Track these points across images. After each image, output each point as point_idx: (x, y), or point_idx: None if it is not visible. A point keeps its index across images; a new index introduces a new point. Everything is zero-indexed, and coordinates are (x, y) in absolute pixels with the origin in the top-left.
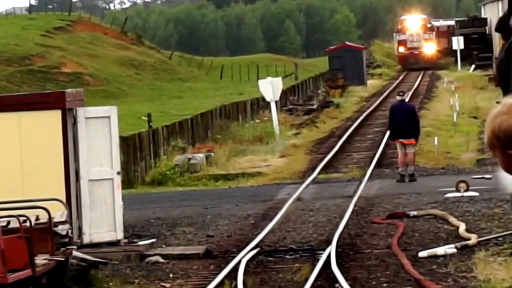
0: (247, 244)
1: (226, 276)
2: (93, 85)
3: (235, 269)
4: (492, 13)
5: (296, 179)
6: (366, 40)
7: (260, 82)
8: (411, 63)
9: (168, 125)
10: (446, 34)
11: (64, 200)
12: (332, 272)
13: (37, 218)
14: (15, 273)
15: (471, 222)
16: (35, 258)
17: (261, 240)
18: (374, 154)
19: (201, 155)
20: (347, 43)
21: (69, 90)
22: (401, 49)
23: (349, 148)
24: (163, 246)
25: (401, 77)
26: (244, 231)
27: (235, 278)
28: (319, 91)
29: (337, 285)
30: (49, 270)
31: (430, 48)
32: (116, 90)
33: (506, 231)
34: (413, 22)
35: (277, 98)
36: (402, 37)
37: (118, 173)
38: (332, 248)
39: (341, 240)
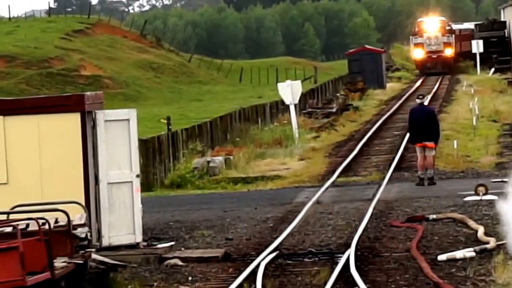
0: (266, 247)
1: (245, 279)
2: (112, 88)
3: (254, 272)
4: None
5: (315, 182)
6: (385, 43)
7: (279, 85)
8: (428, 67)
9: (187, 128)
10: (465, 37)
11: (83, 203)
12: (351, 276)
13: (56, 221)
14: (34, 276)
15: (490, 226)
16: (54, 261)
17: (280, 243)
18: (394, 157)
19: (220, 158)
20: (367, 46)
21: (88, 93)
22: (418, 53)
23: (369, 151)
24: (182, 249)
25: (420, 81)
26: (263, 234)
27: (254, 281)
28: (339, 94)
29: None
30: (68, 273)
31: (449, 52)
32: (135, 93)
33: None
34: (431, 24)
35: (296, 101)
36: (419, 40)
37: (137, 176)
38: (351, 252)
39: (360, 243)
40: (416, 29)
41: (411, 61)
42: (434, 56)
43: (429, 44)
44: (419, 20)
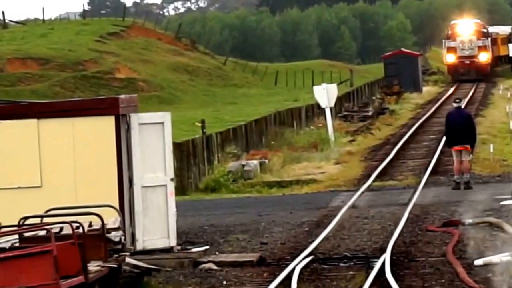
0: (301, 251)
1: (280, 284)
2: (147, 91)
3: (288, 276)
4: None
5: (351, 187)
6: (422, 46)
7: (315, 88)
8: (461, 73)
9: (222, 132)
10: (502, 40)
11: (117, 206)
12: (386, 280)
13: (90, 225)
14: (68, 279)
15: None
16: (88, 264)
17: (315, 248)
18: (430, 162)
19: (255, 161)
20: (403, 49)
21: (122, 96)
22: (451, 58)
23: (404, 155)
24: (217, 253)
25: (456, 84)
26: (298, 239)
27: (289, 286)
28: (375, 98)
29: None
30: (102, 277)
31: (484, 57)
32: (170, 96)
33: None
34: (464, 27)
35: (332, 105)
36: (452, 44)
37: (172, 179)
38: (386, 256)
39: (395, 248)
40: (449, 32)
41: None
42: (467, 61)
43: (462, 48)
44: (452, 22)
